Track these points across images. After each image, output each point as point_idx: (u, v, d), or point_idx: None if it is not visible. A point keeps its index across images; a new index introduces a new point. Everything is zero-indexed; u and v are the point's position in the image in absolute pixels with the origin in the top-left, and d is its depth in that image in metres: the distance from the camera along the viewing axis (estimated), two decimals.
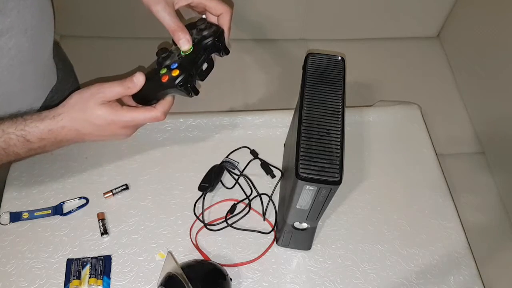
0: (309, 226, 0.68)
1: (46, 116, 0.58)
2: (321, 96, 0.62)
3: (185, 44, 0.60)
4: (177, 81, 0.58)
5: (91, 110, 0.58)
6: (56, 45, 0.88)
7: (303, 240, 0.73)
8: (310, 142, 0.56)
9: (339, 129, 0.58)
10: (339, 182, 0.54)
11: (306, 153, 0.55)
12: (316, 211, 0.62)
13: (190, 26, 0.62)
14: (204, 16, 0.65)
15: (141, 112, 0.60)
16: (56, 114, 0.58)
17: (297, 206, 0.61)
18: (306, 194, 0.57)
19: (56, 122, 0.58)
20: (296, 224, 0.67)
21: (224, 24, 0.63)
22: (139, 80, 0.59)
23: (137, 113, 0.60)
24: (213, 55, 0.63)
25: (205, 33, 0.61)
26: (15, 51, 0.63)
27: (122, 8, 1.39)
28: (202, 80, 0.62)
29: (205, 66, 0.61)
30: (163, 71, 0.59)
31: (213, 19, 0.65)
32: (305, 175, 0.54)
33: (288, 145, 0.78)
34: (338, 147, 0.56)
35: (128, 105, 0.62)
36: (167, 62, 0.60)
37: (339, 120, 0.59)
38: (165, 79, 0.59)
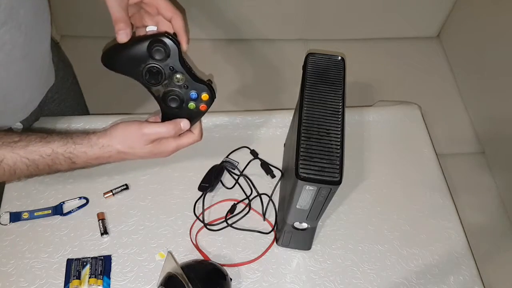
0: (309, 226, 0.68)
1: (96, 144, 0.61)
2: (321, 96, 0.62)
3: (123, 36, 0.60)
4: (214, 97, 0.61)
5: (138, 149, 0.62)
6: (56, 45, 0.88)
7: (303, 240, 0.73)
8: (310, 142, 0.56)
9: (339, 129, 0.58)
10: (339, 182, 0.54)
11: (306, 153, 0.55)
12: (316, 211, 0.62)
13: (138, 62, 0.59)
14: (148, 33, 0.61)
15: (185, 140, 0.65)
16: (105, 145, 0.62)
17: (297, 206, 0.61)
18: (306, 194, 0.57)
19: (104, 152, 0.62)
20: (296, 224, 0.67)
21: (178, 29, 0.61)
22: (185, 126, 0.63)
23: (181, 141, 0.64)
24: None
25: (169, 52, 0.57)
26: (9, 46, 0.63)
27: None
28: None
29: (190, 66, 0.61)
30: (192, 105, 0.61)
31: (165, 25, 0.63)
32: (305, 175, 0.54)
33: (288, 145, 0.78)
34: (338, 147, 0.56)
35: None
36: (182, 96, 0.60)
37: (339, 120, 0.59)
38: (204, 108, 0.61)
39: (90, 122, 0.86)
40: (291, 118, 0.77)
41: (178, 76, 0.58)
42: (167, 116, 0.62)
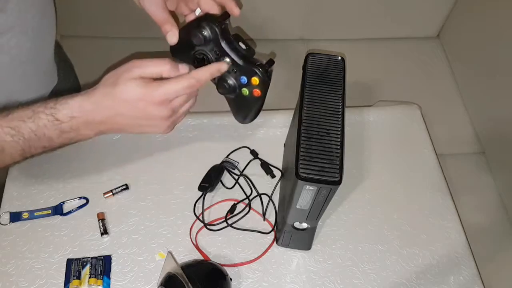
0: (309, 226, 0.68)
1: (79, 93, 0.54)
2: (321, 96, 0.62)
3: (172, 37, 0.57)
4: (267, 80, 0.55)
5: (121, 84, 0.52)
6: (57, 45, 0.88)
7: (303, 240, 0.73)
8: (310, 142, 0.56)
9: (339, 129, 0.58)
10: (339, 182, 0.54)
11: (306, 153, 0.55)
12: (316, 211, 0.62)
13: (186, 49, 0.57)
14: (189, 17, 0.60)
15: (173, 80, 0.54)
16: (89, 90, 0.54)
17: (297, 206, 0.61)
18: (306, 194, 0.57)
19: (87, 97, 0.53)
20: (296, 224, 0.67)
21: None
22: (184, 70, 0.54)
23: (168, 82, 0.53)
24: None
25: (209, 36, 0.55)
26: (16, 50, 0.63)
27: (122, 8, 1.39)
28: (254, 52, 0.57)
29: (243, 46, 0.56)
30: (245, 91, 0.56)
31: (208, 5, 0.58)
32: (305, 175, 0.54)
33: (288, 145, 0.78)
34: (338, 147, 0.56)
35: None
36: (233, 82, 0.56)
37: (339, 120, 0.59)
38: (258, 93, 0.56)
39: None
40: (291, 118, 0.77)
41: (226, 60, 0.54)
42: (230, 106, 0.57)
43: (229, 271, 0.71)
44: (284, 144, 0.85)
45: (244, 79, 0.55)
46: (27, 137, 0.54)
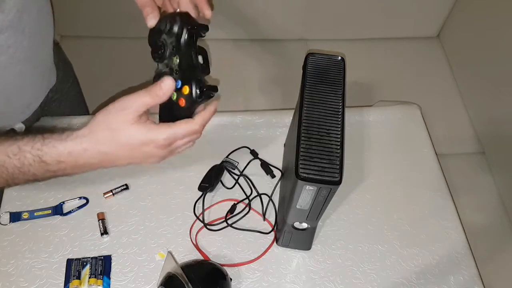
0: (309, 226, 0.68)
1: (68, 137, 0.52)
2: (321, 96, 0.62)
3: (151, 19, 0.56)
4: (195, 97, 0.52)
5: (122, 130, 0.51)
6: (56, 45, 0.88)
7: (303, 240, 0.73)
8: (310, 142, 0.56)
9: (339, 129, 0.58)
10: (339, 182, 0.54)
11: (306, 153, 0.55)
12: (316, 211, 0.62)
13: (156, 33, 0.56)
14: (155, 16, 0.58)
15: (178, 125, 0.53)
16: (79, 135, 0.52)
17: (297, 206, 0.61)
18: (306, 194, 0.57)
19: (78, 143, 0.51)
20: (296, 224, 0.67)
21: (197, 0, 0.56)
22: (167, 85, 0.52)
23: (174, 127, 0.53)
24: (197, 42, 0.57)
25: (175, 30, 0.54)
26: (14, 49, 0.63)
27: (122, 8, 1.39)
28: (208, 72, 0.55)
29: (200, 59, 0.55)
30: (174, 95, 0.53)
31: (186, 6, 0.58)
32: (305, 175, 0.54)
33: (288, 145, 0.78)
34: (338, 147, 0.56)
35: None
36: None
37: (339, 120, 0.59)
38: (182, 102, 0.53)
39: None
40: (291, 118, 0.77)
41: (175, 58, 0.53)
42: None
43: (229, 271, 0.71)
44: (284, 144, 0.85)
45: (179, 83, 0.53)
46: (11, 172, 0.53)
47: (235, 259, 0.73)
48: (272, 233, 0.76)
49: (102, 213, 0.76)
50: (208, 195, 0.79)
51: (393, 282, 0.73)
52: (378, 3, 1.46)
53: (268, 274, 0.72)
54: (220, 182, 0.81)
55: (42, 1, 0.69)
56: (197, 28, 0.54)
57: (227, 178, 0.82)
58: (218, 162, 0.82)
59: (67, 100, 0.92)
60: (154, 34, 0.56)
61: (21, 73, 0.69)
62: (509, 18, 1.23)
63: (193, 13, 0.57)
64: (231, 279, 0.69)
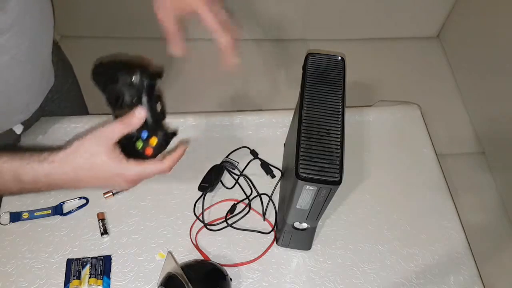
0: (309, 226, 0.68)
1: (45, 159, 0.55)
2: (321, 96, 0.62)
3: (175, 50, 0.59)
4: (163, 147, 0.57)
5: (97, 158, 0.55)
6: (56, 45, 0.88)
7: (303, 240, 0.73)
8: (310, 142, 0.56)
9: (339, 129, 0.58)
10: (339, 182, 0.54)
11: (306, 153, 0.55)
12: (316, 211, 0.62)
13: (114, 82, 0.56)
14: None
15: (149, 165, 0.57)
16: (57, 160, 0.55)
17: (297, 206, 0.61)
18: (306, 194, 0.57)
19: (57, 167, 0.55)
20: (296, 224, 0.67)
21: (223, 48, 0.59)
22: (140, 113, 0.55)
23: (145, 166, 0.57)
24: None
25: (135, 82, 0.56)
26: (15, 50, 0.64)
27: (122, 8, 1.39)
28: (165, 117, 0.58)
29: (159, 107, 0.57)
30: (140, 144, 0.57)
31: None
32: (305, 175, 0.54)
33: (288, 145, 0.78)
34: (338, 147, 0.56)
35: None
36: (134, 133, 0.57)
37: (339, 120, 0.59)
38: (149, 152, 0.57)
39: (90, 122, 0.86)
40: (291, 118, 0.77)
41: (139, 110, 0.56)
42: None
43: (229, 271, 0.71)
44: (284, 144, 0.85)
45: (145, 134, 0.56)
46: None
47: (235, 259, 0.73)
48: (272, 233, 0.76)
49: (102, 213, 0.76)
50: (208, 195, 0.79)
51: (393, 282, 0.73)
52: (378, 3, 1.46)
53: (268, 274, 0.72)
54: (220, 182, 0.81)
55: (43, 1, 0.69)
56: (155, 78, 0.56)
57: (227, 178, 0.82)
58: (218, 162, 0.82)
59: (67, 100, 0.92)
60: (106, 79, 0.57)
61: (22, 74, 0.69)
62: (509, 18, 1.23)
63: (219, 35, 0.59)
64: (231, 279, 0.69)
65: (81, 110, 1.01)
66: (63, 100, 0.90)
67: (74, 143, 0.55)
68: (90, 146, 0.55)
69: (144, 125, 0.56)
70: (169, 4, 0.59)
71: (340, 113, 0.60)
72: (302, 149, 0.56)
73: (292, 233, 0.70)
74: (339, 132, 0.58)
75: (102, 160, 0.54)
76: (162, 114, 0.57)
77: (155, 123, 0.56)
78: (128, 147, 0.56)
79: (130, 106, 0.55)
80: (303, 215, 0.64)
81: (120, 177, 0.56)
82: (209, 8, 0.58)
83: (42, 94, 0.79)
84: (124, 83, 0.55)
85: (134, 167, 0.56)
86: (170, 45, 0.59)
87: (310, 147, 0.56)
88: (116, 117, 0.57)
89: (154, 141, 0.56)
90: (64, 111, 0.91)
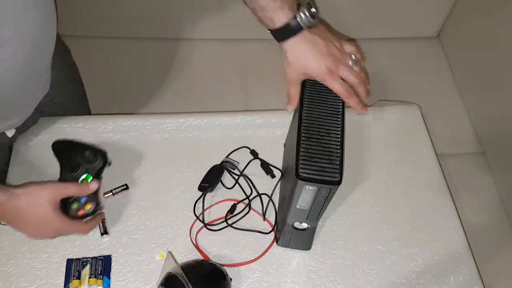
0: (309, 226, 0.68)
1: (8, 190, 0.62)
2: (321, 96, 0.62)
3: (289, 108, 0.68)
4: (93, 214, 0.70)
5: (42, 211, 0.63)
6: (64, 47, 0.87)
7: (303, 240, 0.73)
8: (310, 142, 0.56)
9: (339, 129, 0.58)
10: (339, 182, 0.54)
11: (306, 153, 0.55)
12: (316, 211, 0.62)
13: (78, 155, 0.71)
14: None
15: (77, 224, 0.68)
16: (15, 193, 0.62)
17: (297, 206, 0.61)
18: (306, 194, 0.57)
19: (14, 199, 0.62)
20: (296, 224, 0.67)
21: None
22: (94, 186, 0.69)
23: (73, 223, 0.68)
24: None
25: (95, 162, 0.72)
26: (10, 62, 0.62)
27: (124, 8, 1.39)
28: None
29: (96, 186, 0.70)
30: (75, 206, 0.68)
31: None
32: (305, 175, 0.54)
33: (288, 145, 0.78)
34: (338, 147, 0.56)
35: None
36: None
37: (339, 120, 0.59)
38: (81, 214, 0.69)
39: (89, 123, 0.86)
40: (291, 118, 0.77)
41: (87, 177, 0.70)
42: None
43: (229, 271, 0.71)
44: (284, 144, 0.85)
45: (83, 200, 0.69)
46: None
47: (235, 259, 0.73)
48: (272, 233, 0.76)
49: (102, 213, 0.76)
50: (208, 195, 0.79)
51: (393, 282, 0.73)
52: (378, 3, 1.46)
53: (268, 274, 0.72)
54: (220, 182, 0.81)
55: (44, 12, 0.68)
56: (106, 164, 0.74)
57: (227, 178, 0.82)
58: (218, 162, 0.82)
59: (68, 103, 0.91)
60: (67, 153, 0.72)
61: (16, 84, 0.67)
62: (509, 18, 1.23)
63: (347, 101, 0.64)
64: (231, 279, 0.69)
65: (83, 111, 1.01)
66: (64, 104, 0.89)
67: (29, 187, 0.64)
68: (43, 194, 0.64)
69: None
70: (301, 80, 0.65)
71: (340, 113, 0.60)
72: (302, 149, 0.56)
73: (292, 233, 0.70)
74: (339, 132, 0.58)
75: (46, 208, 0.63)
76: (99, 189, 0.71)
77: (95, 194, 0.70)
78: (65, 204, 0.67)
79: (79, 176, 0.69)
80: (303, 215, 0.64)
81: (51, 225, 0.65)
82: (333, 78, 0.63)
83: (36, 101, 0.77)
84: (85, 159, 0.70)
85: (67, 222, 0.66)
86: (288, 106, 0.68)
87: (310, 147, 0.56)
88: (62, 179, 0.70)
89: (88, 206, 0.69)
90: (66, 113, 0.90)
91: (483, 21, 1.35)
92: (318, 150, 0.56)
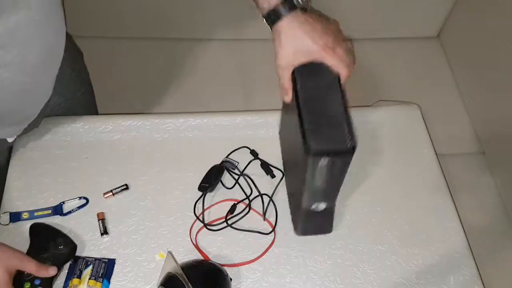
0: (327, 206, 0.65)
1: None
2: (313, 71, 0.59)
3: (285, 99, 0.65)
4: None
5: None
6: (78, 51, 0.88)
7: (323, 223, 0.72)
8: (313, 115, 0.53)
9: (340, 96, 0.55)
10: (351, 150, 0.50)
11: (311, 126, 0.52)
12: (334, 187, 0.59)
13: (46, 247, 0.70)
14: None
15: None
16: None
17: (314, 185, 0.57)
18: (319, 170, 0.53)
19: None
20: (314, 207, 0.65)
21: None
22: (53, 271, 0.67)
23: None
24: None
25: (61, 253, 0.70)
26: (8, 83, 0.62)
27: (124, 8, 1.39)
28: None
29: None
30: (28, 285, 0.66)
31: None
32: (315, 148, 0.50)
33: (285, 135, 0.77)
34: (344, 114, 0.53)
35: None
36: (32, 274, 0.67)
37: (338, 88, 0.56)
38: None
39: (89, 123, 0.86)
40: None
41: (48, 264, 0.68)
42: None
43: (229, 271, 0.71)
44: (279, 132, 0.84)
45: (38, 281, 0.66)
46: None
47: (235, 259, 0.73)
48: (272, 233, 0.76)
49: (102, 213, 0.76)
50: (208, 195, 0.79)
51: (393, 282, 0.73)
52: (378, 3, 1.46)
53: (268, 274, 0.72)
54: (220, 182, 0.81)
55: (52, 35, 0.66)
56: (72, 257, 0.71)
57: (227, 178, 0.82)
58: (218, 162, 0.82)
59: (75, 108, 0.90)
60: (47, 237, 0.71)
61: (11, 101, 0.67)
62: (509, 18, 1.23)
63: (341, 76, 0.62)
64: (231, 279, 0.69)
65: (90, 113, 1.00)
66: (70, 109, 0.88)
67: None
68: (3, 257, 0.64)
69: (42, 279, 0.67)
70: (295, 62, 0.63)
71: (337, 81, 0.57)
72: (306, 124, 0.52)
73: (310, 216, 0.68)
74: (341, 100, 0.55)
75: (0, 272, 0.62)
76: (55, 277, 0.68)
77: (51, 282, 0.67)
78: (20, 280, 0.66)
79: (45, 260, 0.68)
80: (320, 195, 0.61)
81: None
82: (331, 54, 0.61)
83: (38, 107, 0.77)
84: (55, 244, 0.70)
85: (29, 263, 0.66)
86: (283, 96, 0.66)
87: (314, 120, 0.52)
88: (28, 254, 0.68)
89: None
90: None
91: (483, 21, 1.35)
92: (323, 121, 0.52)
